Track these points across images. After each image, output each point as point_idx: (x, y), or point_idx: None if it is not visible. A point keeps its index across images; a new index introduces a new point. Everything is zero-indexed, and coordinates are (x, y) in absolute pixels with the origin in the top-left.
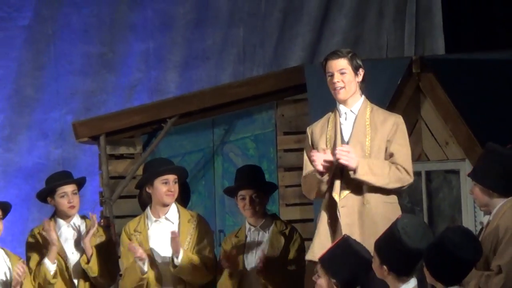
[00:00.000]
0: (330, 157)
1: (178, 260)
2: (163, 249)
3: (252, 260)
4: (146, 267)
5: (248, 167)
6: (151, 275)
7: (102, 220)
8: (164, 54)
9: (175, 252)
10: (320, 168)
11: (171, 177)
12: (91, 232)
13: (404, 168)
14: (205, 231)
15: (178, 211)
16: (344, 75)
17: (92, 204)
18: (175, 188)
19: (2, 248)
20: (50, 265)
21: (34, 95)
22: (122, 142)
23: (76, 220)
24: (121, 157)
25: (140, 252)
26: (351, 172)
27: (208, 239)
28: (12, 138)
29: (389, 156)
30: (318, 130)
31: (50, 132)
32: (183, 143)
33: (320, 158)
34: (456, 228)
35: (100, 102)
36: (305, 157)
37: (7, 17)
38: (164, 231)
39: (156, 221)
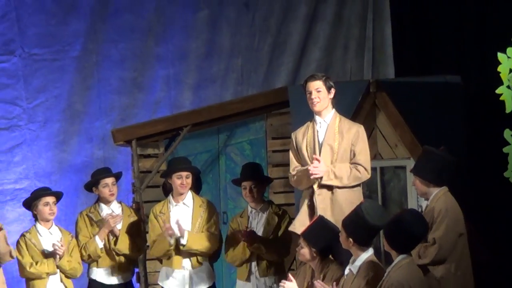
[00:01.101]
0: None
1: (184, 241)
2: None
3: None
4: (172, 241)
5: (249, 164)
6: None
7: (133, 205)
8: (181, 78)
9: (181, 235)
10: (317, 177)
11: (184, 173)
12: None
13: (363, 167)
14: (212, 213)
15: (193, 198)
16: (320, 92)
17: (126, 192)
18: (188, 182)
19: (57, 226)
20: (100, 242)
21: (82, 109)
22: (149, 145)
23: (114, 205)
24: (148, 156)
25: (171, 230)
26: (319, 180)
27: (215, 219)
28: (66, 142)
29: (353, 156)
30: (300, 135)
31: (95, 137)
32: (195, 145)
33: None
34: (411, 210)
35: (132, 115)
36: (291, 156)
37: (62, 49)
38: (182, 213)
39: (176, 205)
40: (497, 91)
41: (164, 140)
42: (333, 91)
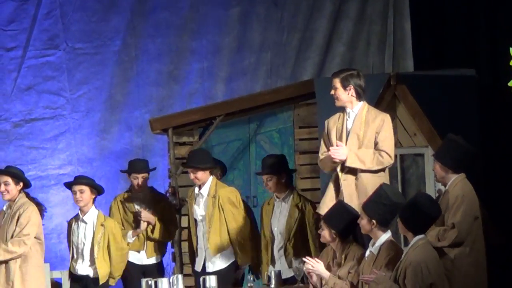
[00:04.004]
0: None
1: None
2: (197, 212)
3: (275, 222)
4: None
5: (266, 157)
6: None
7: (170, 189)
8: (214, 71)
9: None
10: (336, 160)
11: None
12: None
13: (386, 153)
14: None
15: (210, 188)
16: (337, 90)
17: (163, 178)
18: (197, 176)
19: (98, 210)
20: (130, 238)
21: (122, 100)
22: (184, 133)
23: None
24: (183, 144)
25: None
26: (344, 163)
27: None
28: (106, 130)
29: (376, 143)
30: (332, 122)
31: (134, 126)
32: (228, 134)
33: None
34: (424, 194)
35: (168, 105)
36: (322, 141)
37: (104, 44)
38: (198, 200)
39: (197, 194)
40: (510, 84)
41: (198, 129)
42: (351, 88)
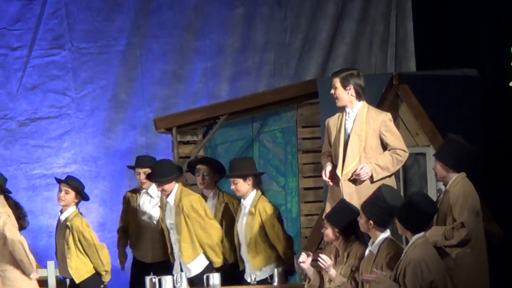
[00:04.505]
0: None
1: None
2: (167, 220)
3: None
4: None
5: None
6: None
7: None
8: (218, 70)
9: None
10: (330, 183)
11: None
12: None
13: (400, 149)
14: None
15: (175, 197)
16: (336, 89)
17: None
18: (163, 188)
19: (76, 210)
20: None
21: (126, 99)
22: (188, 132)
23: (153, 190)
24: (187, 143)
25: None
26: (370, 179)
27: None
28: (111, 129)
29: (386, 145)
30: (332, 122)
31: (138, 125)
32: (231, 133)
33: (327, 173)
34: (418, 192)
35: (172, 104)
36: (325, 138)
37: (108, 44)
38: (167, 209)
39: (166, 202)
40: (511, 84)
41: (202, 128)
42: (351, 88)
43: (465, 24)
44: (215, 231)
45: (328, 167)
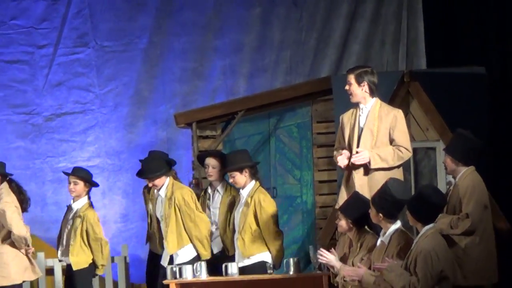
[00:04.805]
0: (346, 155)
1: None
2: (157, 211)
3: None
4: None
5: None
6: None
7: (193, 180)
8: (236, 68)
9: None
10: (342, 165)
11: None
12: None
13: (404, 147)
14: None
15: (167, 190)
16: (351, 85)
17: (187, 170)
18: (154, 183)
19: (88, 201)
20: None
21: (148, 95)
22: (207, 127)
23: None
24: (206, 137)
25: None
26: (368, 165)
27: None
28: (133, 124)
29: (392, 141)
30: (346, 118)
31: (159, 120)
32: (248, 128)
33: (342, 158)
34: (428, 185)
35: (192, 100)
36: (338, 133)
37: (131, 42)
38: (158, 201)
39: (157, 195)
40: None
41: (220, 123)
42: (364, 84)
43: (473, 24)
44: (204, 224)
45: (346, 151)
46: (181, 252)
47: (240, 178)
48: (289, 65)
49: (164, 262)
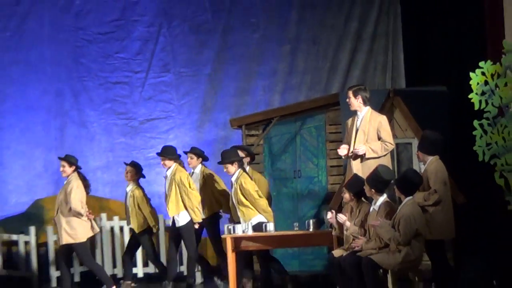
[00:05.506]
0: (346, 148)
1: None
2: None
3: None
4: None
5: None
6: None
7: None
8: (272, 87)
9: None
10: (341, 154)
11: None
12: None
13: (388, 142)
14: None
15: (172, 172)
16: (349, 98)
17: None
18: (164, 162)
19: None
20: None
21: (211, 106)
22: (253, 128)
23: (197, 168)
24: (252, 135)
25: None
26: (363, 155)
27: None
28: (201, 126)
29: (380, 138)
30: (349, 122)
31: (219, 123)
32: (281, 129)
33: (341, 150)
34: (411, 169)
35: (242, 110)
36: (346, 134)
37: (199, 69)
38: (166, 179)
39: (165, 175)
40: (470, 96)
41: (262, 126)
42: (359, 97)
43: (440, 55)
44: (194, 198)
45: (345, 145)
46: (180, 217)
47: (231, 168)
48: (310, 85)
49: (169, 222)
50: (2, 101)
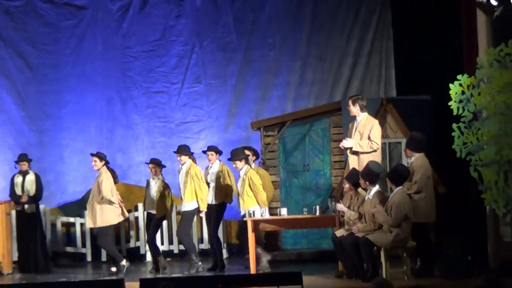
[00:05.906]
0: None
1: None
2: (179, 179)
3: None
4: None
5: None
6: None
7: (262, 160)
8: (286, 95)
9: None
10: (342, 146)
11: (177, 154)
12: None
13: (375, 142)
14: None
15: (187, 167)
16: (349, 106)
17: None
18: (181, 158)
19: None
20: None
21: (236, 112)
22: (270, 130)
23: (215, 164)
24: (268, 136)
25: None
26: (351, 148)
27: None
28: (227, 128)
29: (369, 137)
30: (350, 125)
31: (242, 126)
32: (293, 130)
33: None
34: (401, 164)
35: (261, 115)
36: (348, 133)
37: (225, 80)
38: (181, 173)
39: (180, 169)
40: (449, 103)
41: (277, 127)
42: (357, 105)
43: (425, 70)
44: (205, 189)
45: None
46: (189, 205)
47: (239, 164)
48: (317, 94)
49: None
50: (62, 107)
